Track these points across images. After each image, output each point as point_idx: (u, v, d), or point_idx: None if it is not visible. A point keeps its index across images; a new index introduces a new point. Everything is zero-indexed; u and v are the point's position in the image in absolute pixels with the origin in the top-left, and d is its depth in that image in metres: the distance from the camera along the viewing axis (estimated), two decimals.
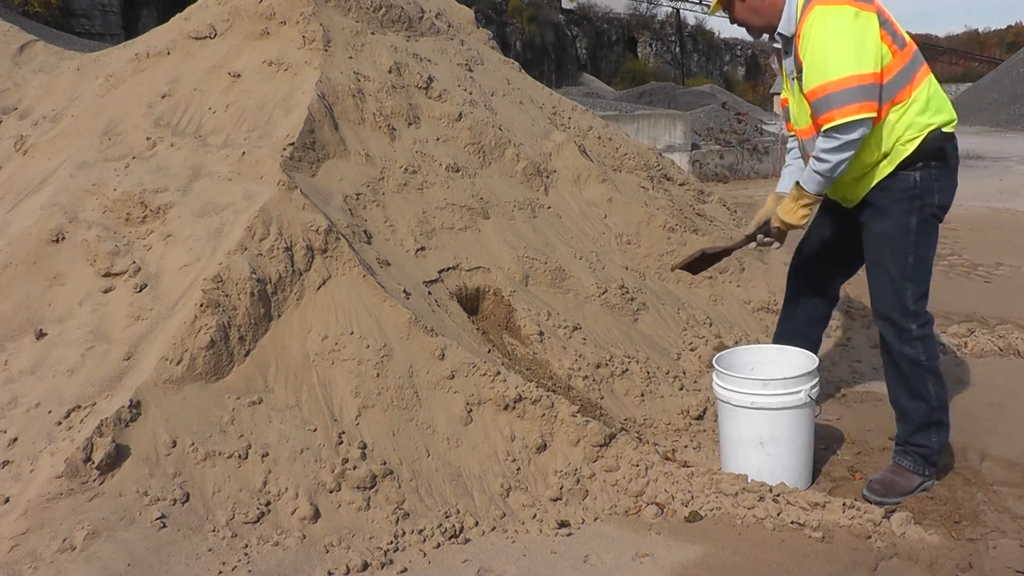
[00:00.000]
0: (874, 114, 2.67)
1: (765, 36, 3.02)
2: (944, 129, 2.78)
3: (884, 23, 2.72)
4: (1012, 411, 3.59)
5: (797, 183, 2.92)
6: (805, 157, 3.00)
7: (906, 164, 2.77)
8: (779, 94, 3.20)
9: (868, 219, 2.90)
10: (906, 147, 2.76)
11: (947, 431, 2.95)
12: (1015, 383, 3.94)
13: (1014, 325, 4.80)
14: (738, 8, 2.95)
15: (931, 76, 2.82)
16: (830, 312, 3.37)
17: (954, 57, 58.17)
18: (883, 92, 2.69)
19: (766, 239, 3.13)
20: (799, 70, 2.81)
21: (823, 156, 2.77)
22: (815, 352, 3.24)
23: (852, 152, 2.74)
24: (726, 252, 3.35)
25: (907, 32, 2.83)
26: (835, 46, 2.65)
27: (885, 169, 2.80)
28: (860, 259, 3.05)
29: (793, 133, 3.12)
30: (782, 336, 3.35)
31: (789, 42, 2.86)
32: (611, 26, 52.94)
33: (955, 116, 2.84)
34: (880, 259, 2.87)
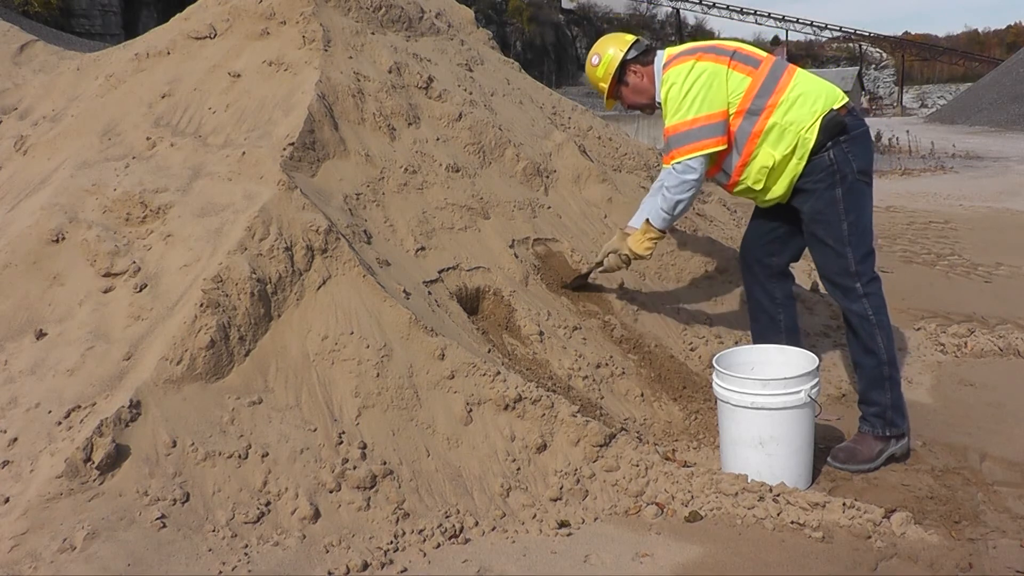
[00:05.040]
0: (713, 149, 3.14)
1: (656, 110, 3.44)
2: (835, 107, 3.11)
3: (734, 55, 3.20)
4: (1012, 411, 3.59)
5: (647, 219, 3.40)
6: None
7: (816, 149, 3.10)
8: None
9: (800, 203, 3.22)
10: (809, 135, 3.09)
11: (899, 388, 3.15)
12: (1015, 383, 3.94)
13: (1014, 325, 4.80)
14: (626, 95, 3.45)
15: (799, 73, 3.22)
16: (790, 292, 3.59)
17: (954, 57, 58.12)
18: (752, 107, 3.13)
19: (614, 265, 3.59)
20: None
21: (665, 193, 3.28)
22: (796, 336, 3.49)
23: (691, 193, 3.23)
24: (584, 276, 3.78)
25: (765, 49, 3.41)
26: (673, 97, 3.17)
27: (799, 165, 3.14)
28: (802, 238, 3.36)
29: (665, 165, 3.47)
30: (757, 330, 3.57)
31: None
32: (611, 26, 52.99)
33: (838, 94, 3.18)
34: (817, 233, 3.19)
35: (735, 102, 3.14)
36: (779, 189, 3.20)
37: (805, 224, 3.24)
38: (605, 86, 3.43)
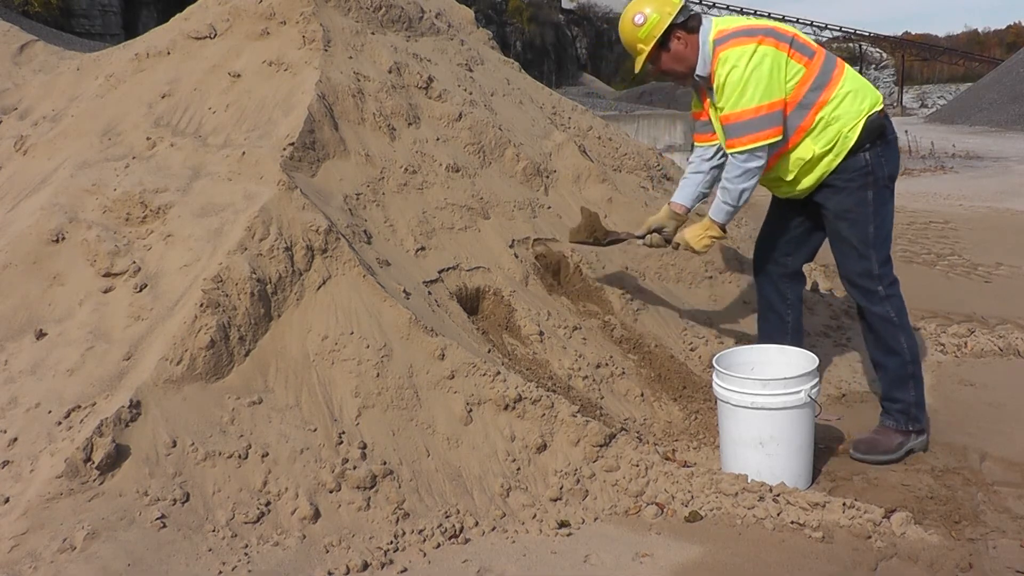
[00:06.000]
0: (774, 139, 3.04)
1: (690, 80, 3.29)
2: (876, 110, 3.10)
3: (792, 42, 3.07)
4: (1012, 411, 3.59)
5: (710, 216, 3.29)
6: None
7: (855, 149, 3.08)
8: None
9: (825, 199, 3.18)
10: (851, 135, 3.07)
11: (922, 384, 3.20)
12: (1015, 383, 3.94)
13: (1014, 325, 4.80)
14: (664, 60, 3.22)
15: (847, 69, 3.15)
16: (801, 294, 3.58)
17: (954, 57, 58.15)
18: (804, 100, 3.06)
19: (655, 244, 3.49)
20: (715, 104, 3.19)
21: (727, 184, 3.17)
22: (800, 337, 3.49)
23: (754, 180, 3.13)
24: (618, 240, 3.62)
25: (815, 40, 3.41)
26: (735, 82, 3.03)
27: (832, 162, 3.10)
28: (818, 239, 3.38)
29: (700, 144, 3.44)
30: (766, 329, 3.56)
31: (705, 80, 3.19)
32: (611, 26, 52.94)
33: (879, 97, 3.15)
34: (842, 233, 3.17)
35: (789, 91, 3.06)
36: (808, 182, 3.16)
37: (829, 221, 3.20)
38: (646, 48, 3.17)
